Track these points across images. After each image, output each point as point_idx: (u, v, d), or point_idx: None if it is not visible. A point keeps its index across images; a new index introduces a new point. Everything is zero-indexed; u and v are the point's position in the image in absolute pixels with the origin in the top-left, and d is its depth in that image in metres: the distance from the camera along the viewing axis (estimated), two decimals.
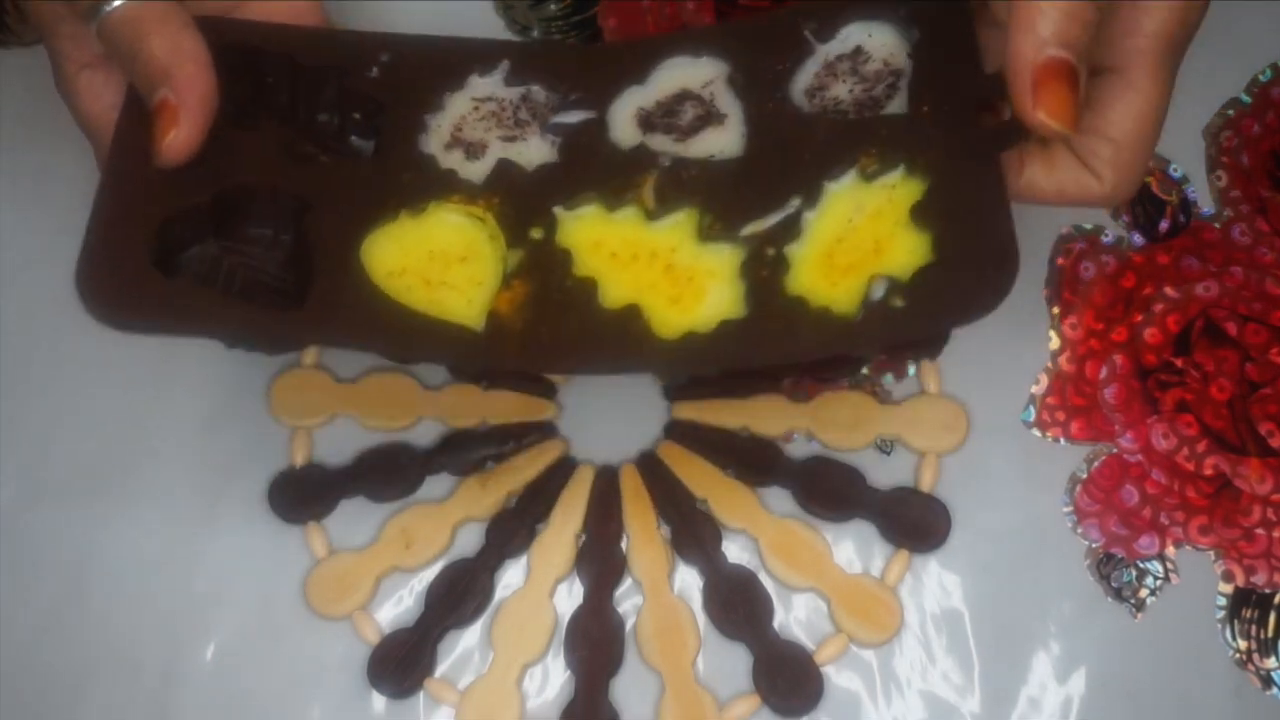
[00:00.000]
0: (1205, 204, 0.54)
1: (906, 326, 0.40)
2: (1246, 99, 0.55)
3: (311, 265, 0.40)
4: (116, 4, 0.38)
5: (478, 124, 0.43)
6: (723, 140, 0.42)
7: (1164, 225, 0.54)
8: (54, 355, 0.54)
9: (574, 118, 0.43)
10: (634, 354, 0.41)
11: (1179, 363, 0.52)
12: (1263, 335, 0.52)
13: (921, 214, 0.40)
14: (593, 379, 0.54)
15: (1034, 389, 0.53)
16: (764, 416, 0.52)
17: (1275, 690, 0.50)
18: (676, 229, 0.42)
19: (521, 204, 0.42)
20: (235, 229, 0.41)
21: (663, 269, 0.41)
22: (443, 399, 0.53)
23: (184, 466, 0.53)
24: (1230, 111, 0.55)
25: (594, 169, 0.42)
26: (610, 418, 0.53)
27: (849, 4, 0.42)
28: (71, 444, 0.53)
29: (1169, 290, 0.52)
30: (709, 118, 0.43)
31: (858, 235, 0.40)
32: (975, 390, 0.53)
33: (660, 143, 0.43)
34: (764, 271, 0.41)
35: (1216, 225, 0.54)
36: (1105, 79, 0.38)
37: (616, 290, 0.41)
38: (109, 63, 0.41)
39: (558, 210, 0.42)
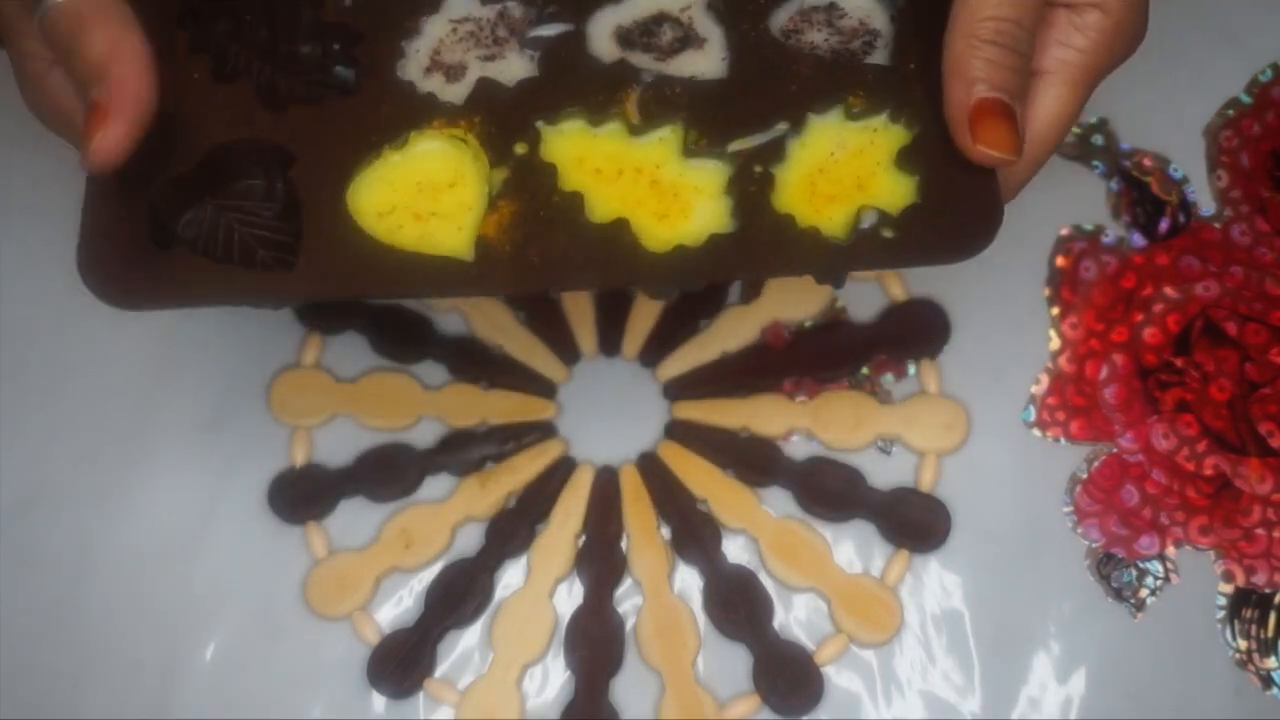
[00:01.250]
0: (1205, 204, 0.54)
1: (898, 256, 0.41)
2: (1247, 99, 0.55)
3: (301, 219, 0.41)
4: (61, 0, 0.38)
5: (456, 45, 0.43)
6: (703, 63, 0.43)
7: (1164, 225, 0.54)
8: (54, 355, 0.54)
9: (552, 30, 0.43)
10: (624, 267, 0.41)
11: (1179, 363, 0.52)
12: (1263, 335, 0.52)
13: (907, 158, 0.41)
14: (593, 378, 0.54)
15: (1034, 389, 0.53)
16: (764, 416, 0.53)
17: (1275, 690, 0.50)
18: (661, 145, 0.42)
19: (503, 121, 0.42)
20: (227, 185, 0.41)
21: (648, 184, 0.42)
22: (443, 399, 0.53)
23: (184, 466, 0.53)
24: (1230, 111, 0.55)
25: (575, 83, 0.42)
26: (610, 418, 0.53)
27: None
28: (71, 444, 0.53)
29: (1169, 290, 0.52)
30: (688, 40, 0.43)
31: (839, 169, 0.41)
32: (975, 390, 0.53)
33: (641, 60, 0.43)
34: (752, 187, 0.41)
35: (1216, 225, 0.54)
36: (1031, 79, 0.40)
37: (603, 206, 0.41)
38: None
39: (541, 124, 0.42)
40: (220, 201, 0.41)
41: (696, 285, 0.43)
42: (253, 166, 0.41)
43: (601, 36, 0.43)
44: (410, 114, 0.42)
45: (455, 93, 0.43)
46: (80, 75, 0.38)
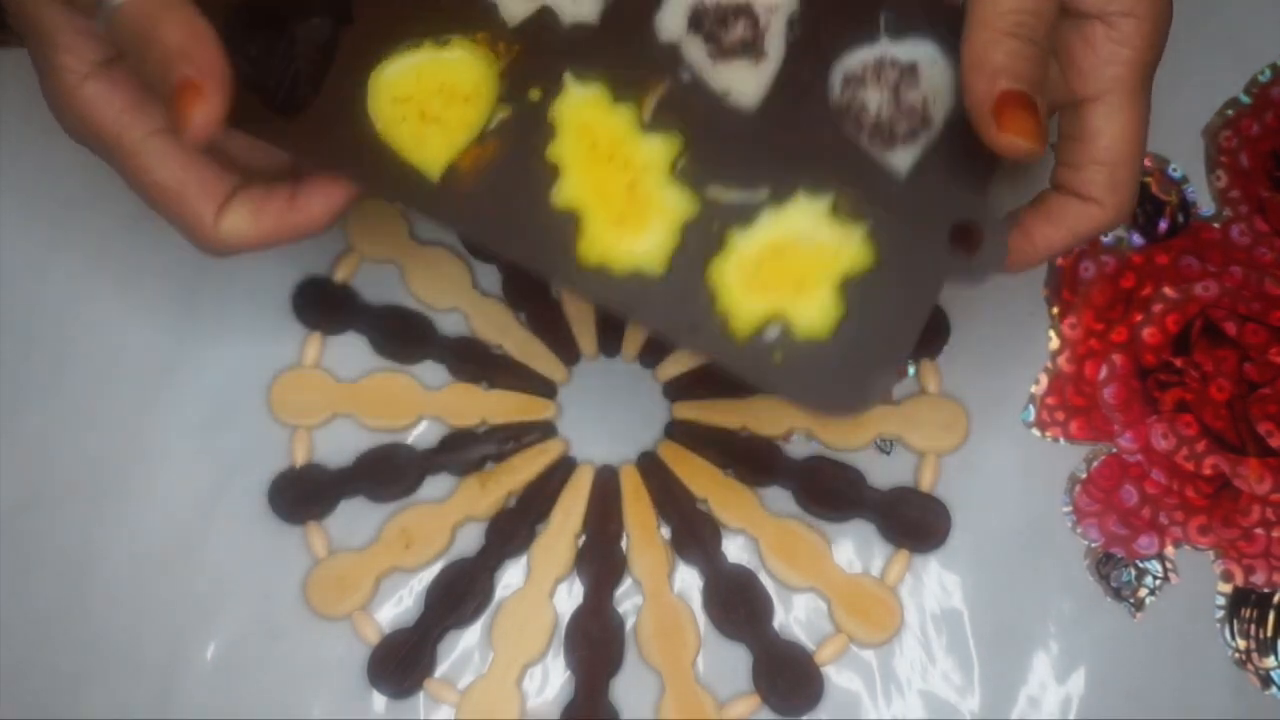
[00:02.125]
0: (1204, 204, 0.54)
1: (770, 383, 0.40)
2: (1246, 99, 0.55)
3: (325, 77, 0.41)
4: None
5: None
6: (746, 83, 0.41)
7: (1163, 225, 0.54)
8: (54, 355, 0.54)
9: None
10: (550, 261, 0.40)
11: (1178, 363, 0.52)
12: (1262, 335, 0.52)
13: (848, 289, 0.40)
14: (593, 378, 0.54)
15: (1034, 389, 0.53)
16: (764, 416, 0.53)
17: (1274, 689, 0.50)
18: (662, 149, 0.41)
19: (537, 60, 0.41)
20: (290, 19, 0.41)
21: (628, 183, 0.41)
22: (443, 399, 0.53)
23: (184, 466, 0.53)
24: (1230, 112, 0.55)
25: (620, 49, 0.41)
26: (610, 418, 0.53)
27: (938, 17, 0.41)
28: (71, 444, 0.53)
29: (1168, 290, 0.52)
30: (750, 48, 0.41)
31: (792, 261, 0.40)
32: (975, 390, 0.53)
33: (694, 51, 0.41)
34: (700, 241, 0.40)
35: (1216, 225, 0.54)
36: (1089, 108, 0.40)
37: (574, 189, 0.40)
38: (111, 69, 0.41)
39: (568, 77, 0.41)
40: (275, 35, 0.41)
41: (598, 305, 0.43)
42: (318, 9, 0.41)
43: (676, 9, 0.42)
44: (465, 17, 0.41)
45: (517, 10, 0.42)
46: (160, 61, 0.38)
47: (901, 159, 0.40)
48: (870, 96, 0.40)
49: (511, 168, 0.40)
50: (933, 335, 0.53)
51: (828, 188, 0.40)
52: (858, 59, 0.41)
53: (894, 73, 0.40)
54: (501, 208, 0.40)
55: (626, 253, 0.40)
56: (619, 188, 0.41)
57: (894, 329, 0.39)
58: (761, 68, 0.41)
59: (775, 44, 0.41)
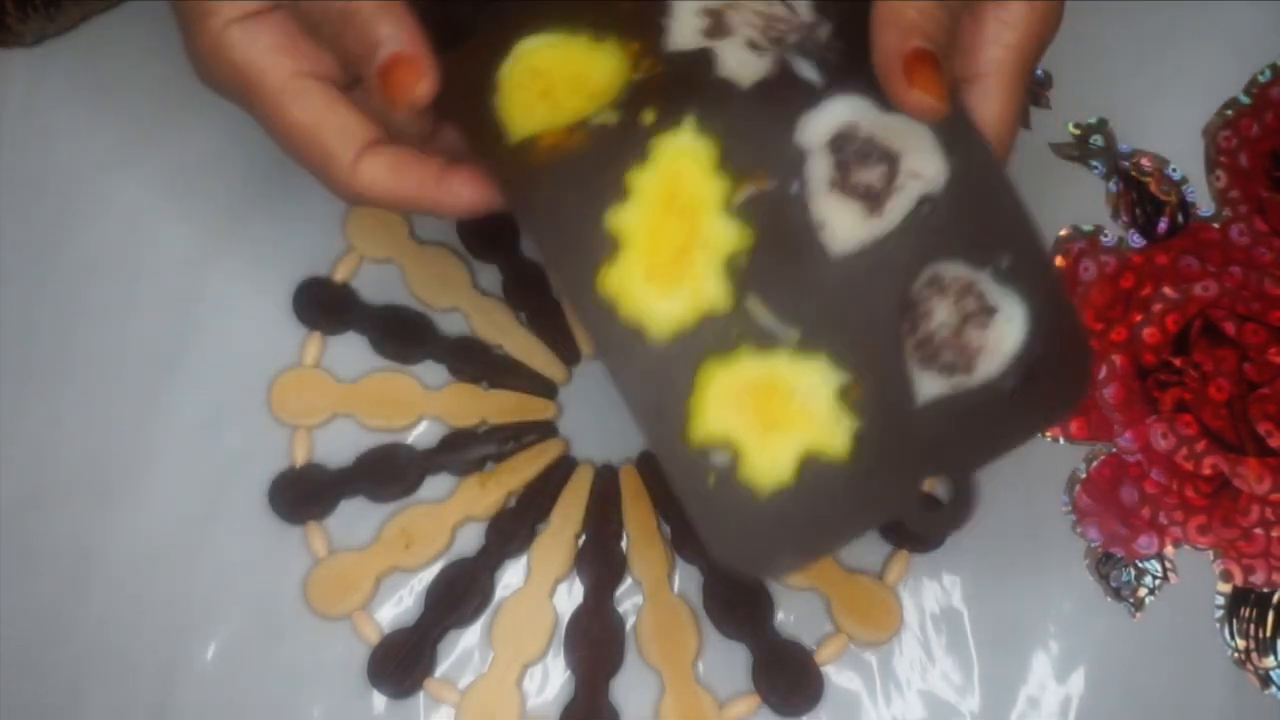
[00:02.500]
0: (1204, 204, 0.54)
1: (689, 498, 0.38)
2: (1245, 99, 0.55)
3: (478, 26, 0.41)
4: None
5: (745, 15, 0.40)
6: (849, 228, 0.39)
7: (1163, 225, 0.54)
8: (54, 355, 0.54)
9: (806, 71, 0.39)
10: (570, 269, 0.38)
11: (1178, 363, 0.52)
12: (1261, 335, 0.52)
13: (807, 464, 0.38)
14: (593, 378, 0.54)
15: None
16: None
17: (1274, 689, 0.50)
18: (731, 237, 0.39)
19: (672, 89, 0.39)
20: None
21: (681, 246, 0.39)
22: (443, 399, 0.53)
23: (184, 466, 0.53)
24: (1229, 112, 0.55)
25: (753, 123, 0.39)
26: (610, 417, 0.53)
27: (1039, 287, 0.39)
28: (72, 444, 0.53)
29: (1168, 290, 0.52)
30: (873, 198, 0.39)
31: (777, 406, 0.38)
32: None
33: (819, 168, 0.39)
34: (711, 337, 0.38)
35: (1215, 225, 0.54)
36: (966, 88, 0.40)
37: (633, 219, 0.39)
38: (257, 16, 0.40)
39: (689, 119, 0.39)
40: None
41: (591, 337, 0.41)
42: None
43: (827, 120, 0.39)
44: (631, 22, 0.40)
45: (684, 40, 0.40)
46: (362, 35, 0.39)
47: (928, 386, 0.39)
48: (939, 309, 0.39)
49: (586, 169, 0.39)
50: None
51: (851, 369, 0.38)
52: (954, 270, 0.39)
53: (974, 304, 0.39)
54: (556, 196, 0.39)
55: (642, 305, 0.38)
56: (672, 245, 0.39)
57: (819, 530, 0.38)
58: (870, 223, 0.39)
59: (897, 209, 0.39)
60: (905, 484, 0.38)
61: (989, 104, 0.40)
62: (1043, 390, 0.39)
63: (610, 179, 0.39)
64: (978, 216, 0.39)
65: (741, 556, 0.38)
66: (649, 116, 0.39)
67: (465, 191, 0.40)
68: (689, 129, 0.39)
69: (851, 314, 0.39)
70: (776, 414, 0.38)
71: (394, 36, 0.39)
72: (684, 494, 0.38)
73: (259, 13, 0.40)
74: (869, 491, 0.38)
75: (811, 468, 0.38)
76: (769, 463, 0.38)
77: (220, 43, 0.40)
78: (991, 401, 0.39)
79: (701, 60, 0.40)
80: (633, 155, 0.39)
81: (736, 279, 0.39)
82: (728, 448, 0.38)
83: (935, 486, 0.39)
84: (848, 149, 0.39)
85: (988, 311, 0.39)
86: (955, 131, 0.39)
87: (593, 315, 0.38)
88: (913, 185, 0.39)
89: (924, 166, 0.39)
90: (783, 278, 0.39)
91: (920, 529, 0.38)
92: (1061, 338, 0.39)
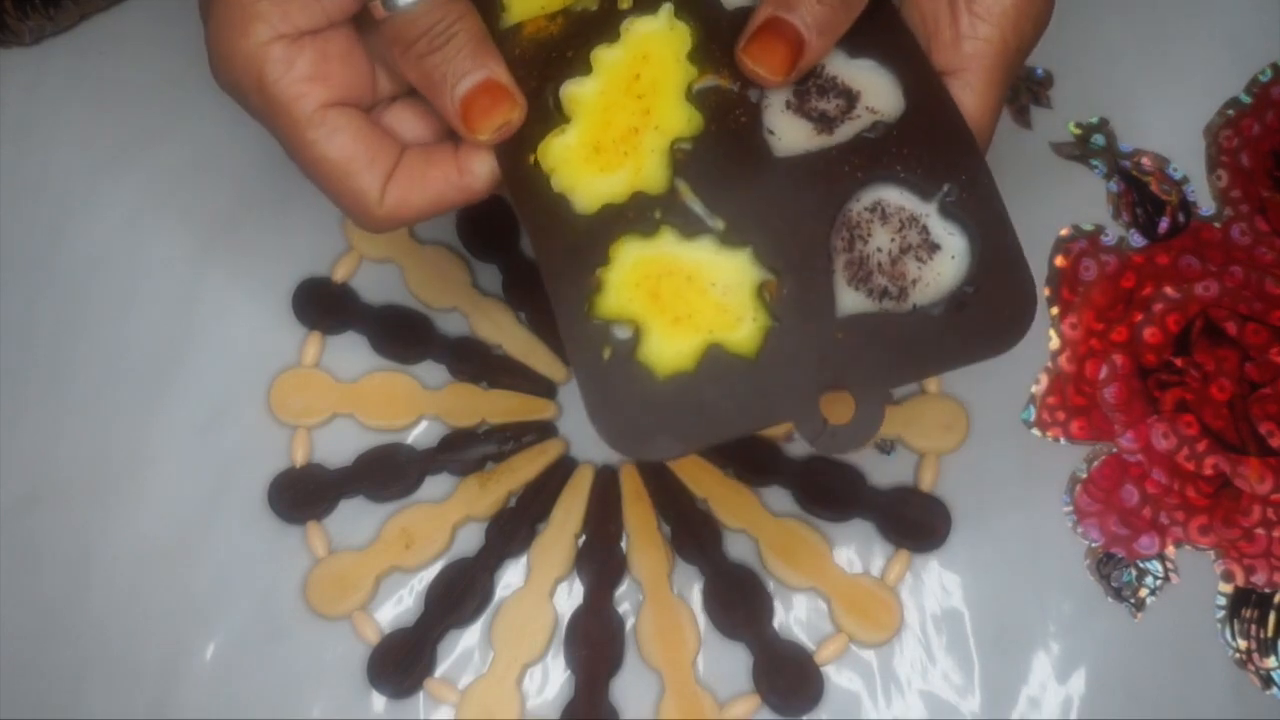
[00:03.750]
0: (1205, 204, 0.54)
1: (579, 364, 0.39)
2: (1246, 99, 0.55)
3: None
4: None
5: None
6: (797, 139, 0.40)
7: (1164, 225, 0.54)
8: (55, 355, 0.54)
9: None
10: (515, 140, 0.40)
11: (1179, 362, 0.52)
12: (1262, 335, 0.52)
13: (709, 355, 0.38)
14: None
15: (1034, 389, 0.53)
16: None
17: (1275, 690, 0.50)
18: (682, 124, 0.40)
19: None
20: None
21: (632, 127, 0.40)
22: (443, 399, 0.53)
23: (184, 466, 0.53)
24: (1230, 111, 0.55)
25: (724, 28, 0.40)
26: None
27: (988, 221, 0.39)
28: (72, 444, 0.53)
29: (1169, 290, 0.52)
30: (825, 123, 0.40)
31: (689, 294, 0.39)
32: (975, 390, 0.53)
33: (780, 93, 0.40)
34: (636, 214, 0.39)
35: (1216, 225, 0.54)
36: (949, 80, 0.41)
37: (589, 94, 0.40)
38: (301, 38, 0.40)
39: (665, 7, 0.40)
40: None
41: (522, 211, 0.40)
42: None
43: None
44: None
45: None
46: (456, 64, 0.39)
47: (851, 302, 0.39)
48: (879, 235, 0.39)
49: (557, 48, 0.40)
50: None
51: (772, 268, 0.39)
52: (900, 199, 0.39)
53: (917, 238, 0.39)
54: (522, 74, 0.40)
55: (578, 177, 0.39)
56: (623, 125, 0.40)
57: (708, 420, 0.38)
58: (819, 139, 0.40)
59: (846, 131, 0.40)
60: (807, 390, 0.38)
61: (967, 97, 0.40)
62: (976, 322, 0.38)
63: (576, 55, 0.40)
64: (928, 149, 0.39)
65: (621, 433, 0.38)
66: (626, 2, 0.41)
67: (483, 167, 0.41)
68: (665, 15, 0.41)
69: (783, 214, 0.39)
70: (689, 300, 0.38)
71: (487, 66, 0.39)
72: (575, 362, 0.38)
73: (307, 33, 0.40)
74: (769, 391, 0.38)
75: (714, 358, 0.38)
76: (672, 347, 0.38)
77: (258, 56, 0.39)
78: (916, 326, 0.38)
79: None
80: (604, 34, 0.40)
81: (677, 162, 0.39)
82: (631, 325, 0.38)
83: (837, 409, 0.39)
84: (809, 83, 0.40)
85: (930, 248, 0.39)
86: (917, 76, 0.40)
87: (523, 179, 0.39)
88: (867, 117, 0.40)
89: (881, 104, 0.40)
90: (721, 169, 0.39)
91: (811, 438, 0.37)
92: (1003, 274, 0.39)
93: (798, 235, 0.39)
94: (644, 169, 0.39)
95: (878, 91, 0.40)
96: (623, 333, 0.38)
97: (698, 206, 0.39)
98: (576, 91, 0.40)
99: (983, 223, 0.39)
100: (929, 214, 0.39)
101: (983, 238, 0.39)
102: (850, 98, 0.40)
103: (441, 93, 0.39)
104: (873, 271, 0.39)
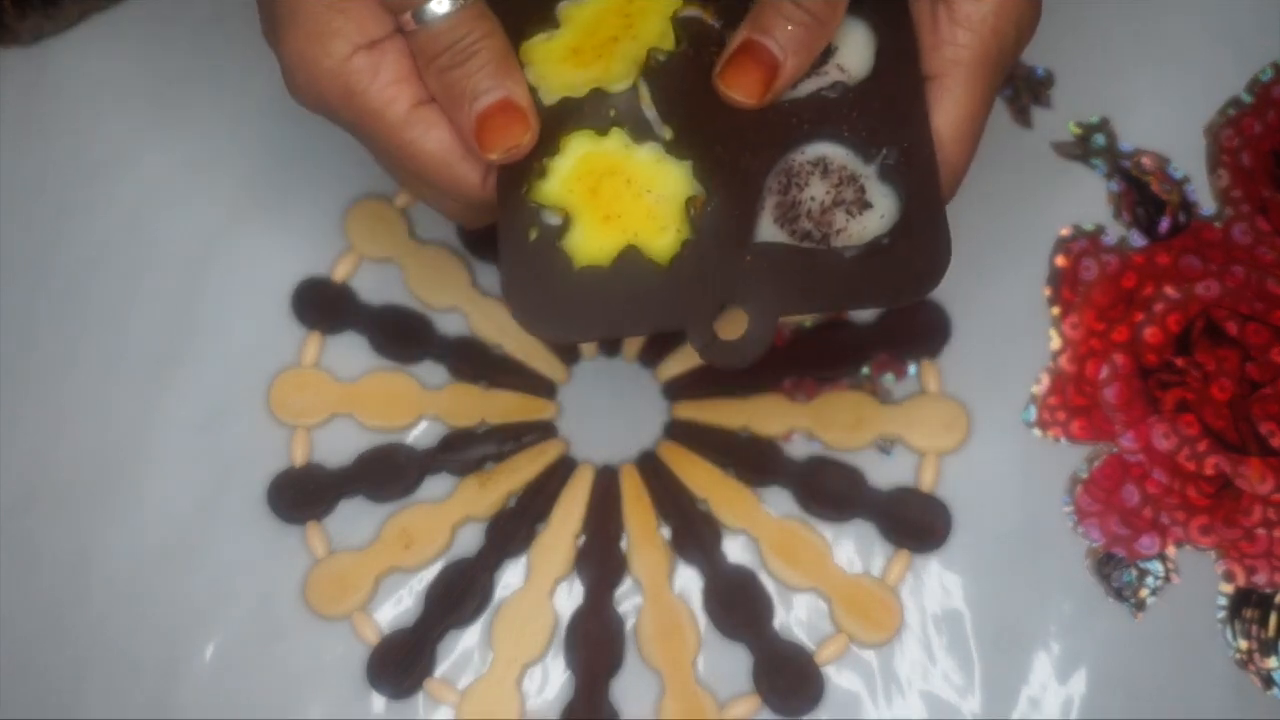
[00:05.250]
0: (1206, 204, 0.54)
1: (503, 241, 0.40)
2: (1247, 98, 0.55)
3: None
4: (452, 8, 0.39)
5: None
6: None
7: (1164, 225, 0.54)
8: (54, 355, 0.54)
9: None
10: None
11: (1180, 362, 0.52)
12: (1263, 335, 0.52)
13: (625, 255, 0.40)
14: (593, 378, 0.54)
15: (1035, 389, 0.53)
16: (764, 416, 0.52)
17: (1276, 690, 0.50)
18: (656, 35, 0.41)
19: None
20: None
21: (613, 37, 0.41)
22: (443, 399, 0.53)
23: (184, 466, 0.53)
24: (1231, 111, 0.55)
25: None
26: (610, 418, 0.53)
27: (914, 181, 0.40)
28: (71, 443, 0.53)
29: (1169, 290, 0.52)
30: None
31: (625, 195, 0.40)
32: (975, 390, 0.53)
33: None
34: (592, 111, 0.41)
35: (1217, 225, 0.54)
36: (928, 85, 0.41)
37: (576, 11, 0.42)
38: (379, 44, 0.40)
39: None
40: None
41: None
42: None
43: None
44: None
45: None
46: (477, 80, 0.39)
47: (769, 234, 0.40)
48: (816, 186, 0.41)
49: None
50: (933, 335, 0.53)
51: (704, 186, 0.40)
52: (845, 160, 0.41)
53: (852, 194, 0.40)
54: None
55: (554, 70, 0.41)
56: (605, 34, 0.41)
57: (610, 313, 0.40)
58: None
59: (808, 86, 0.41)
60: (706, 303, 0.39)
61: (946, 103, 0.41)
62: (885, 269, 0.40)
63: None
64: (878, 115, 0.41)
65: (527, 311, 0.40)
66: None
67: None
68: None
69: (727, 145, 0.40)
70: (624, 202, 0.40)
71: (505, 85, 0.40)
72: (502, 238, 0.40)
73: (381, 40, 0.40)
74: (671, 298, 0.39)
75: (630, 258, 0.40)
76: (595, 241, 0.40)
77: (341, 70, 0.40)
78: (825, 263, 0.40)
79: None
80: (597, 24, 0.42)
81: (644, 67, 0.41)
82: (562, 213, 0.40)
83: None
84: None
85: (862, 205, 0.40)
86: (894, 45, 0.41)
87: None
88: (834, 74, 0.41)
89: (851, 63, 0.41)
90: (681, 86, 0.41)
91: (699, 347, 0.39)
92: (923, 232, 0.40)
93: (736, 167, 0.40)
94: (613, 68, 0.41)
95: (853, 50, 0.41)
96: (553, 219, 0.40)
97: (651, 113, 0.41)
98: (573, 9, 0.42)
99: (914, 185, 0.40)
100: (868, 176, 0.41)
101: (910, 198, 0.40)
102: (827, 52, 0.41)
103: (460, 107, 0.40)
104: (800, 216, 0.40)
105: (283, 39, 0.40)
